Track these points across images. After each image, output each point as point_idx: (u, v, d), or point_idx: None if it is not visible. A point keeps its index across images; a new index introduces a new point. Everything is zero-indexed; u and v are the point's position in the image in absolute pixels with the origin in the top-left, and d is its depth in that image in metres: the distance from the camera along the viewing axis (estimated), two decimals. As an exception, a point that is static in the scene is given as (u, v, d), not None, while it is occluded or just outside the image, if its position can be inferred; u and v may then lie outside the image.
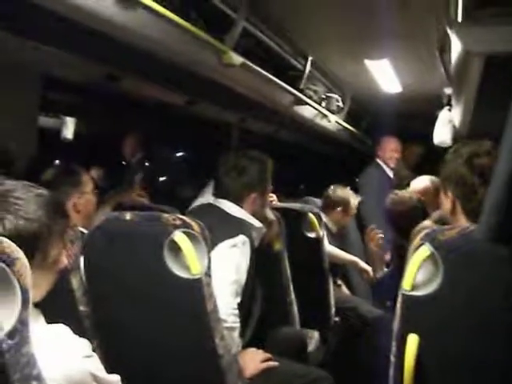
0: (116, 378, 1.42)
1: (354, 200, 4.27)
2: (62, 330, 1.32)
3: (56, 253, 1.40)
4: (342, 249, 4.14)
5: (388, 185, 5.37)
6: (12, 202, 1.31)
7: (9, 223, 1.28)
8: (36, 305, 1.41)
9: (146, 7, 2.29)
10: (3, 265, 1.03)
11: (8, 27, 2.26)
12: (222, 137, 4.65)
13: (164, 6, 2.38)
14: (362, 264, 4.06)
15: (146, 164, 5.29)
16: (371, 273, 4.04)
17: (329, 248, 3.68)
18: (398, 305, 1.68)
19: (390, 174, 5.59)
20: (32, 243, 1.30)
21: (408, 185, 4.07)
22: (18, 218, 1.29)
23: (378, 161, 5.62)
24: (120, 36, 2.34)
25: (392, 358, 1.73)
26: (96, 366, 1.34)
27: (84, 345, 1.33)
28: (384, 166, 5.58)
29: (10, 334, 1.03)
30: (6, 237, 1.07)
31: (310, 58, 4.03)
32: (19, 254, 1.07)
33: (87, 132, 4.96)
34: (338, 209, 4.19)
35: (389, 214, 3.36)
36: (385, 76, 4.62)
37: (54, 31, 2.26)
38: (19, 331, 1.05)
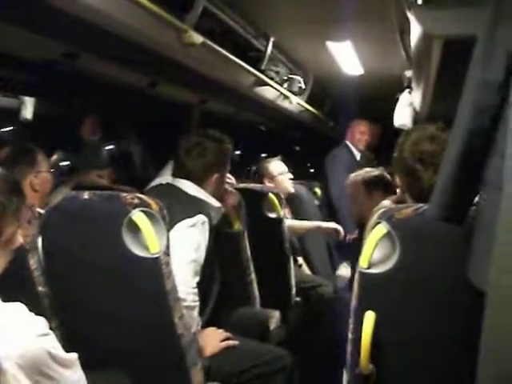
0: (73, 356, 1.41)
1: (274, 165, 4.27)
2: (17, 308, 1.31)
3: (11, 231, 1.38)
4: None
5: (355, 166, 5.47)
6: None
7: None
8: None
9: (104, -17, 2.25)
10: None
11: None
12: (183, 118, 4.61)
13: (123, -17, 2.35)
14: (326, 225, 4.08)
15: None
16: (342, 231, 4.06)
17: (288, 222, 3.68)
18: (356, 282, 1.71)
19: (357, 156, 5.64)
20: None
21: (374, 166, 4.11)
22: None
23: (347, 143, 5.66)
24: (76, 12, 2.28)
25: (350, 335, 1.77)
26: (52, 344, 1.33)
27: (40, 323, 1.32)
28: (353, 148, 5.63)
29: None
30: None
31: (271, 39, 4.01)
32: None
33: (46, 112, 4.87)
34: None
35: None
36: (347, 58, 4.64)
37: (4, 6, 2.20)
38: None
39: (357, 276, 1.70)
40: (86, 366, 1.46)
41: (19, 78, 3.36)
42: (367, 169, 3.49)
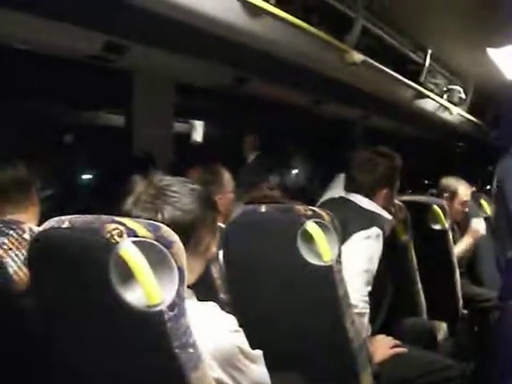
0: (259, 352, 1.54)
1: (465, 189, 4.11)
2: (212, 307, 1.47)
3: (207, 241, 1.53)
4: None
5: None
6: (170, 195, 1.46)
7: (167, 213, 1.43)
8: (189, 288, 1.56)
9: (271, 13, 2.43)
10: (163, 247, 1.19)
11: (145, 40, 2.47)
12: (346, 134, 4.72)
13: (285, 11, 2.50)
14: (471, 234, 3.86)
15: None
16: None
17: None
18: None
19: None
20: (187, 232, 1.43)
21: None
22: (175, 210, 1.44)
23: None
24: (247, 41, 2.49)
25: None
26: (242, 340, 1.47)
27: (232, 320, 1.46)
28: None
29: (170, 307, 1.19)
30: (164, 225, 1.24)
31: (429, 51, 4.02)
32: (175, 238, 1.22)
33: (216, 134, 5.18)
34: (445, 195, 4.07)
35: None
36: (509, 63, 4.50)
37: (186, 41, 2.43)
38: (177, 304, 1.20)
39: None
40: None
41: (193, 104, 3.64)
42: None
